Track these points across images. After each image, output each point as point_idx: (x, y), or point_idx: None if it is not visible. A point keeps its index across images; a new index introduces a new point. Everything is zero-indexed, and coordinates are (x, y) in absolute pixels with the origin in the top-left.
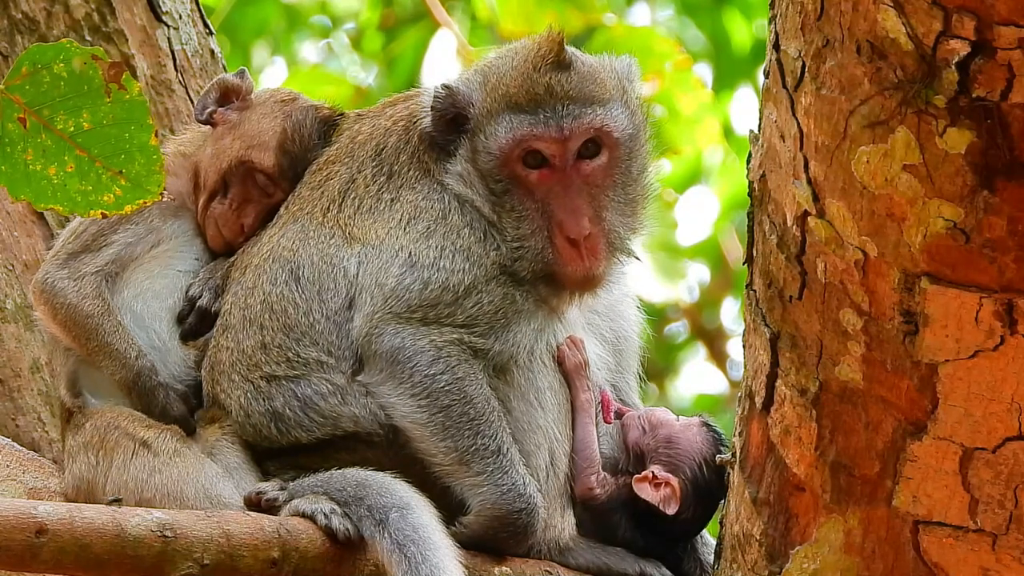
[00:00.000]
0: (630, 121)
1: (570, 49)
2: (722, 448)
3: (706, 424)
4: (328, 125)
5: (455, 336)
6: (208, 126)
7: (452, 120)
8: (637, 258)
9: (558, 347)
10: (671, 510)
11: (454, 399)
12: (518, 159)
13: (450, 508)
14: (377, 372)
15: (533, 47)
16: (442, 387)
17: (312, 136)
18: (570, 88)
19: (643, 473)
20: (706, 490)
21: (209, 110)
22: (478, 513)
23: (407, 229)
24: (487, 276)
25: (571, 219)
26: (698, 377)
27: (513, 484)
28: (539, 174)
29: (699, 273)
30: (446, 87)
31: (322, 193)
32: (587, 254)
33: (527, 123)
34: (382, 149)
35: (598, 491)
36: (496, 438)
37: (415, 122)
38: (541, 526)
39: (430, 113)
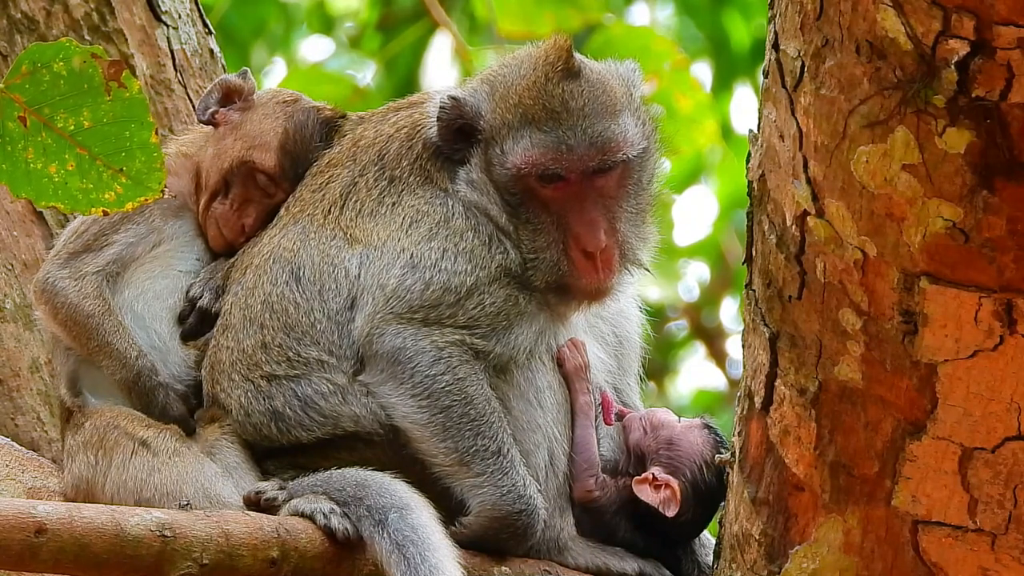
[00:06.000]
0: (641, 132)
1: (578, 56)
2: (723, 451)
3: (707, 426)
4: (330, 127)
5: (456, 337)
6: (210, 126)
7: (459, 130)
8: (647, 269)
9: (559, 349)
10: (671, 512)
11: (455, 400)
12: (535, 176)
13: (450, 508)
14: (378, 372)
15: (541, 55)
16: (443, 388)
17: (314, 137)
18: (584, 102)
19: (643, 475)
20: (706, 492)
21: (211, 110)
22: (478, 514)
23: (409, 232)
24: (490, 278)
25: (588, 232)
26: (697, 375)
27: (513, 485)
28: (554, 188)
29: (699, 272)
30: (453, 98)
31: (323, 195)
32: (602, 266)
33: (545, 144)
34: (384, 155)
35: (597, 494)
36: (497, 439)
37: (418, 130)
38: (541, 527)
39: (436, 124)
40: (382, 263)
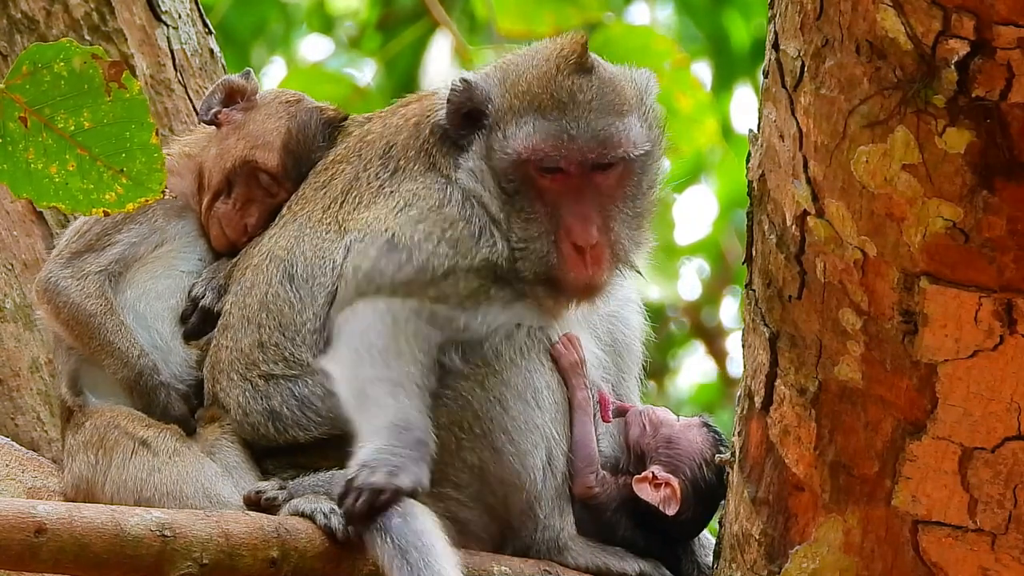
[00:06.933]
0: (646, 135)
1: (592, 55)
2: (722, 449)
3: (706, 425)
4: (333, 127)
5: (416, 305)
6: (213, 126)
7: (467, 115)
8: (639, 272)
9: (552, 345)
10: (671, 511)
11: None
12: (534, 164)
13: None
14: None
15: (556, 48)
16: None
17: (317, 137)
18: (592, 96)
19: (643, 473)
20: (706, 491)
21: (214, 110)
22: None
23: (398, 215)
24: (468, 268)
25: (580, 226)
26: (697, 374)
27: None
28: (552, 179)
29: (699, 271)
30: (465, 80)
31: (325, 192)
32: (591, 262)
33: (547, 132)
34: (391, 147)
35: (597, 490)
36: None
37: (428, 117)
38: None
39: (446, 106)
40: (362, 246)
